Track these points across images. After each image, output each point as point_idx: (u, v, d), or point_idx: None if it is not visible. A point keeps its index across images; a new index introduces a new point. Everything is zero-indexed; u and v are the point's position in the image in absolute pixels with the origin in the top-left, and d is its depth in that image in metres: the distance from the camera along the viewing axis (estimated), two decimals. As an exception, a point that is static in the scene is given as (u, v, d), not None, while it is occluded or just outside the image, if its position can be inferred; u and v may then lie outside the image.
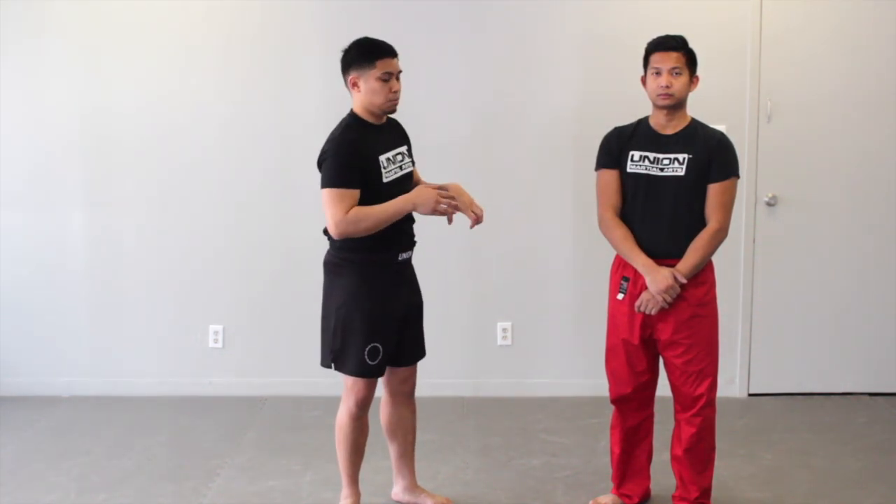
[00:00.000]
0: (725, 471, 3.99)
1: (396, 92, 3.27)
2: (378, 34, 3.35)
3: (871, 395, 5.07)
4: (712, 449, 3.52)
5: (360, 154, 3.24)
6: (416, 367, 3.62)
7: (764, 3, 4.85)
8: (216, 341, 5.06)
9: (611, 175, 3.44)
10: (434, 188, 3.34)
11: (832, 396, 5.05)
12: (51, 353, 5.05)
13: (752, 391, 5.07)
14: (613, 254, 3.52)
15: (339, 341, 3.35)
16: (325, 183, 3.22)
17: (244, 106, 4.93)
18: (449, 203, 3.29)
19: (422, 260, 4.95)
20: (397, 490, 3.74)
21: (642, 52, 3.42)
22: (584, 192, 4.86)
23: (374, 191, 3.25)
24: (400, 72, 3.31)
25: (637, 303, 3.38)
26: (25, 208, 4.97)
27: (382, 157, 3.30)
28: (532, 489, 3.89)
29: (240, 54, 4.91)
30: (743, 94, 4.88)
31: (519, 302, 5.05)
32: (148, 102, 4.92)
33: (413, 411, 3.66)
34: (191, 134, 4.94)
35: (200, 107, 4.93)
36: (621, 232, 3.41)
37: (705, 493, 3.51)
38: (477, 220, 3.37)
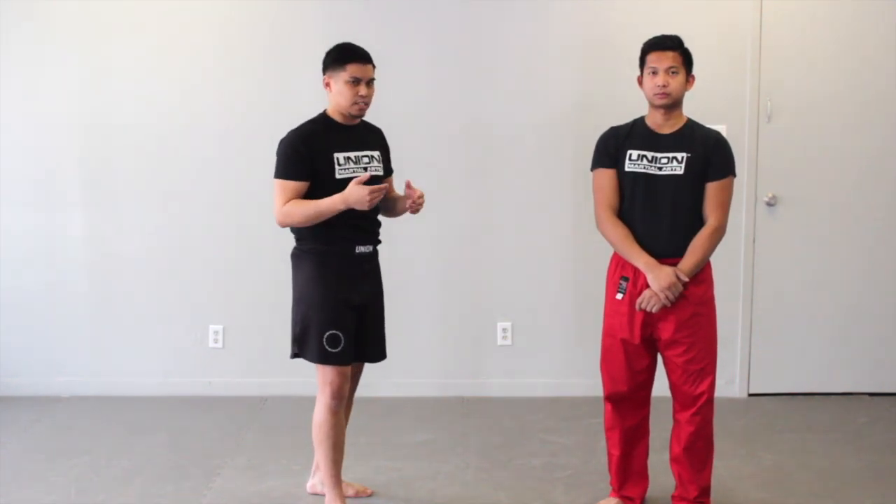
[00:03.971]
0: (725, 471, 3.99)
1: (364, 97, 3.39)
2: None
3: (871, 395, 5.07)
4: (711, 447, 3.52)
5: (312, 148, 3.37)
6: (362, 367, 3.68)
7: (764, 3, 4.85)
8: (216, 341, 5.06)
9: (608, 174, 3.45)
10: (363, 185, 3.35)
11: (832, 396, 5.05)
12: (51, 353, 5.05)
13: (752, 391, 5.07)
14: (612, 253, 3.52)
15: (300, 329, 3.46)
16: (275, 173, 3.40)
17: (245, 106, 4.93)
18: (378, 192, 3.32)
19: (422, 260, 5.00)
20: (315, 482, 3.76)
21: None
22: (583, 192, 4.84)
23: (324, 185, 3.37)
24: (372, 79, 3.41)
25: (639, 300, 3.38)
26: (25, 208, 4.97)
27: (339, 155, 3.40)
28: (532, 489, 3.88)
29: (240, 55, 4.91)
30: (743, 94, 4.88)
31: (519, 302, 5.04)
32: (148, 103, 4.92)
33: (350, 409, 3.70)
34: (191, 134, 4.94)
35: (201, 107, 4.93)
36: (621, 231, 3.41)
37: (704, 492, 3.51)
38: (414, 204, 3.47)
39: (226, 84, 4.93)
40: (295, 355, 3.52)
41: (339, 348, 3.41)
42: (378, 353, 3.64)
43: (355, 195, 3.30)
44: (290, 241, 3.36)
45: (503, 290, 5.04)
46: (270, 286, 4.97)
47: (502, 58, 4.91)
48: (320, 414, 3.47)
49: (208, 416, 4.76)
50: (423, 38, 4.89)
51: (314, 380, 3.55)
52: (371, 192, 3.29)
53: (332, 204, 3.33)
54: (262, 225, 4.91)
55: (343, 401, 3.48)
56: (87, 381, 5.05)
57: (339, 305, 3.43)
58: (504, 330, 5.06)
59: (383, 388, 4.94)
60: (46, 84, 4.91)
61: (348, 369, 3.48)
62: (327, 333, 3.40)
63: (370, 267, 3.56)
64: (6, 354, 5.05)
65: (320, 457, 3.52)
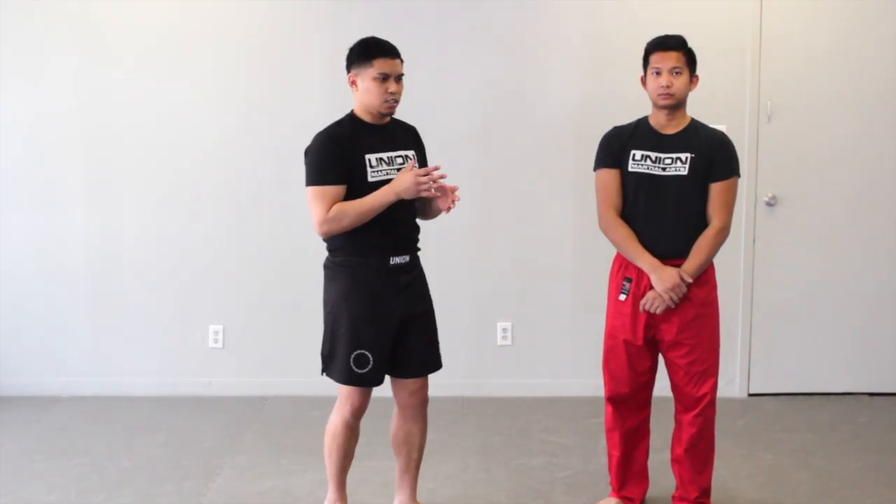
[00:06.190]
0: (725, 471, 3.99)
1: (394, 93, 3.19)
2: (379, 33, 3.34)
3: (871, 395, 5.07)
4: (712, 448, 3.53)
5: (344, 150, 3.18)
6: (426, 379, 3.45)
7: (764, 3, 4.85)
8: (216, 341, 5.06)
9: (611, 174, 3.44)
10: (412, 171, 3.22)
11: (832, 396, 5.05)
12: (51, 353, 5.05)
13: (752, 391, 5.07)
14: (614, 253, 3.52)
15: (328, 347, 3.31)
16: (308, 180, 3.20)
17: (246, 106, 4.93)
18: (430, 179, 3.17)
19: (422, 260, 4.97)
20: None
21: (642, 53, 3.43)
22: (584, 192, 4.86)
23: (357, 189, 3.19)
24: (401, 74, 3.23)
25: (643, 301, 3.37)
26: (25, 208, 4.97)
27: (371, 156, 3.22)
28: (532, 489, 3.89)
29: (242, 55, 4.91)
30: (743, 94, 4.88)
31: (519, 302, 5.05)
32: (149, 103, 4.92)
33: (423, 428, 3.50)
34: (192, 134, 4.95)
35: (202, 107, 4.94)
36: (625, 231, 3.40)
37: (705, 492, 3.51)
38: (451, 201, 3.28)
39: (227, 84, 4.93)
40: (323, 372, 3.38)
41: (366, 369, 3.26)
42: (434, 364, 3.44)
43: (404, 182, 3.14)
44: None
45: (503, 290, 5.04)
46: (271, 286, 4.98)
47: (503, 57, 4.91)
48: (336, 426, 3.36)
49: (208, 416, 4.76)
50: (423, 38, 4.88)
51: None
52: (418, 176, 3.14)
53: (382, 196, 3.14)
54: (263, 225, 4.93)
55: (361, 417, 3.36)
56: (87, 381, 5.05)
57: (372, 324, 3.25)
58: (504, 330, 5.06)
59: (383, 387, 4.92)
60: (47, 84, 4.91)
61: (372, 389, 3.34)
62: (355, 353, 3.24)
63: (410, 278, 3.34)
64: (6, 354, 5.05)
65: (328, 462, 3.42)
